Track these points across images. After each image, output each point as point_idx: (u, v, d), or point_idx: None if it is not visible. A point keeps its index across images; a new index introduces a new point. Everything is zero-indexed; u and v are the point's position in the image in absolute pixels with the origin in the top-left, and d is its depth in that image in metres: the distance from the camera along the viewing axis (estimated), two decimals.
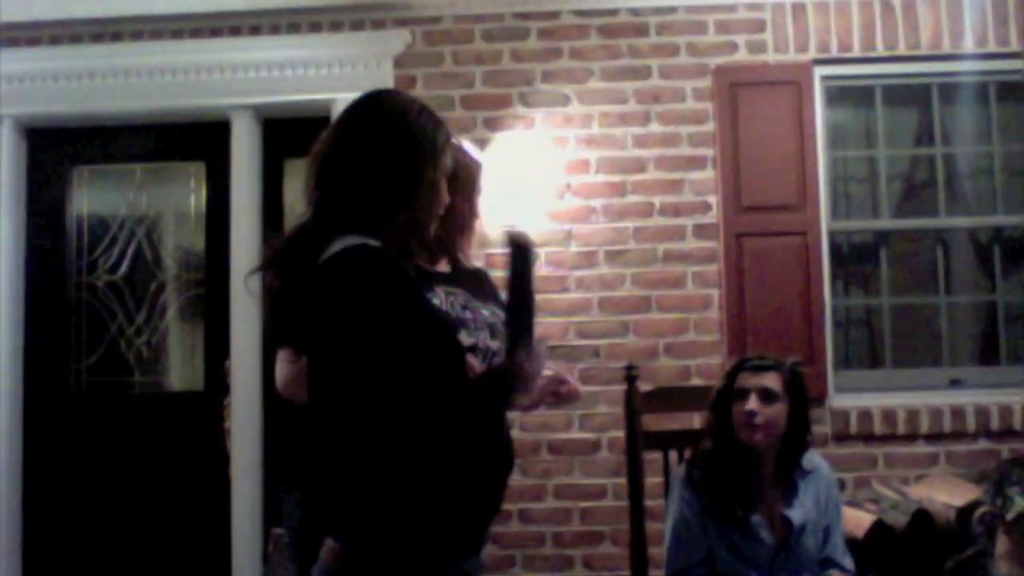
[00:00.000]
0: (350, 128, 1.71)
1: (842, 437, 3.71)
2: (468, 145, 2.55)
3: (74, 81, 3.98)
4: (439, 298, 2.08)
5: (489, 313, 2.15)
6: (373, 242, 1.63)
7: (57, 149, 4.13)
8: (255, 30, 3.98)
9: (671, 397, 3.14)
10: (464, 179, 2.14)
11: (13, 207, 4.03)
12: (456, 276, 2.21)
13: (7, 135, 4.02)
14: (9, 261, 4.01)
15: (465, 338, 2.00)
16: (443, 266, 2.22)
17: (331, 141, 1.71)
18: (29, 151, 4.12)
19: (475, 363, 1.86)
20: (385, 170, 1.67)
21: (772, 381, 2.49)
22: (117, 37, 4.01)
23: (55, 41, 4.02)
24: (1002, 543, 3.06)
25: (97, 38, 4.01)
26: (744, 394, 2.49)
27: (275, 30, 3.97)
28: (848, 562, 2.59)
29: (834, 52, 3.86)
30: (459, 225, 2.19)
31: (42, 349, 4.04)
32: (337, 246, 1.62)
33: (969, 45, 3.84)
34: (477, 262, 2.47)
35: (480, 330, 2.08)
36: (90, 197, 4.16)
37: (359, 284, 1.55)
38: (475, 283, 2.24)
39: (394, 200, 1.68)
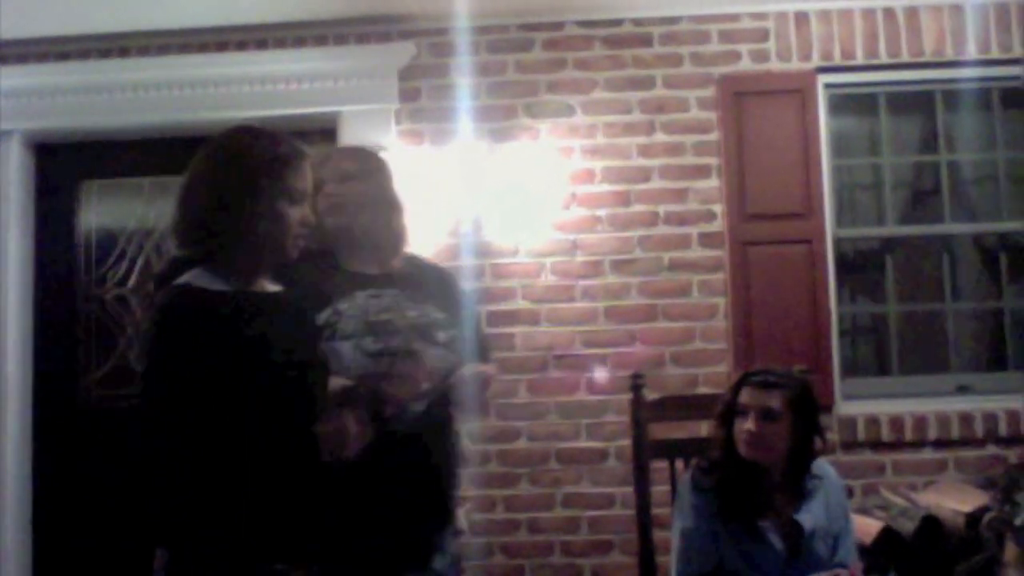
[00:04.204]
0: (195, 164, 1.86)
1: (850, 444, 3.70)
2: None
3: (82, 96, 4.00)
4: (359, 300, 2.17)
5: (417, 314, 2.20)
6: (202, 278, 1.76)
7: (65, 164, 4.14)
8: (261, 44, 4.00)
9: (678, 406, 3.11)
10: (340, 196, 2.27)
11: (21, 221, 4.05)
12: (390, 278, 2.29)
13: (15, 150, 4.03)
14: (18, 275, 4.02)
15: (370, 344, 2.11)
16: (374, 268, 2.31)
17: (185, 177, 1.86)
18: (37, 166, 4.14)
19: (337, 382, 1.99)
20: (219, 201, 1.79)
21: (775, 401, 2.47)
22: (124, 52, 4.04)
23: (63, 57, 4.04)
24: (1011, 549, 3.05)
25: (105, 53, 4.04)
26: (746, 412, 2.49)
27: (281, 44, 4.00)
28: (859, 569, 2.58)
29: (837, 60, 3.87)
30: (355, 241, 2.30)
31: (51, 362, 4.05)
32: (177, 279, 1.76)
33: (972, 52, 3.84)
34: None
35: (395, 333, 2.14)
36: (98, 211, 4.17)
37: (157, 322, 1.74)
38: (411, 285, 2.30)
39: (234, 228, 1.79)
